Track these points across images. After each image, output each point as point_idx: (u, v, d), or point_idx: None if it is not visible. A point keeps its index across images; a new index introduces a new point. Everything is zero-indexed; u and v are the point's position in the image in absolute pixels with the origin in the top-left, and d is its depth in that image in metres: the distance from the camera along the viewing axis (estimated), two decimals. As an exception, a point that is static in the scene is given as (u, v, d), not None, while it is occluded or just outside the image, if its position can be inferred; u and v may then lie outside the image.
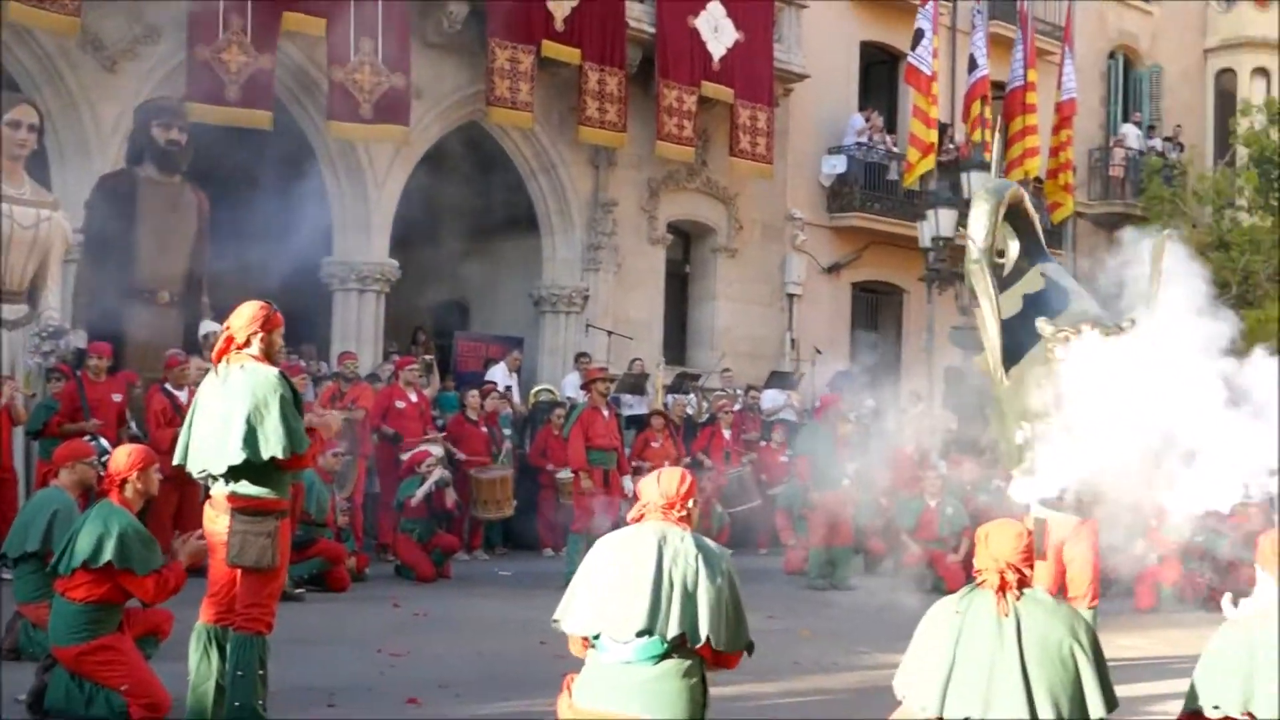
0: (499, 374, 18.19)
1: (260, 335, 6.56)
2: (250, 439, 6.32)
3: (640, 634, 5.35)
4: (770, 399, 20.11)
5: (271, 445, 6.34)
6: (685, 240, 23.14)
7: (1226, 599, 5.78)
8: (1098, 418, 7.87)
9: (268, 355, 6.59)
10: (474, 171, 20.39)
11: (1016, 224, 9.92)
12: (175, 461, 6.66)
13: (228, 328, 6.62)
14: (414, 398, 15.35)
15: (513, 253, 22.10)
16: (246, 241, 14.12)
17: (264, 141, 16.43)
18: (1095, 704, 5.15)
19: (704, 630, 5.40)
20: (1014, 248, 9.93)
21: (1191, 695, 5.42)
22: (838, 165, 24.23)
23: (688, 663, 5.42)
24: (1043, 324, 9.04)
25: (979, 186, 10.41)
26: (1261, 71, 31.58)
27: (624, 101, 20.29)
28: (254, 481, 6.43)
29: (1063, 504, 9.11)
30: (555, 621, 5.66)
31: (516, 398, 17.97)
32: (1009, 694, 5.05)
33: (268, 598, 6.56)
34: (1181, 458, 7.57)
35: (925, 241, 21.53)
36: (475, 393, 16.16)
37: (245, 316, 6.59)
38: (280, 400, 6.38)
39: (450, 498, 14.06)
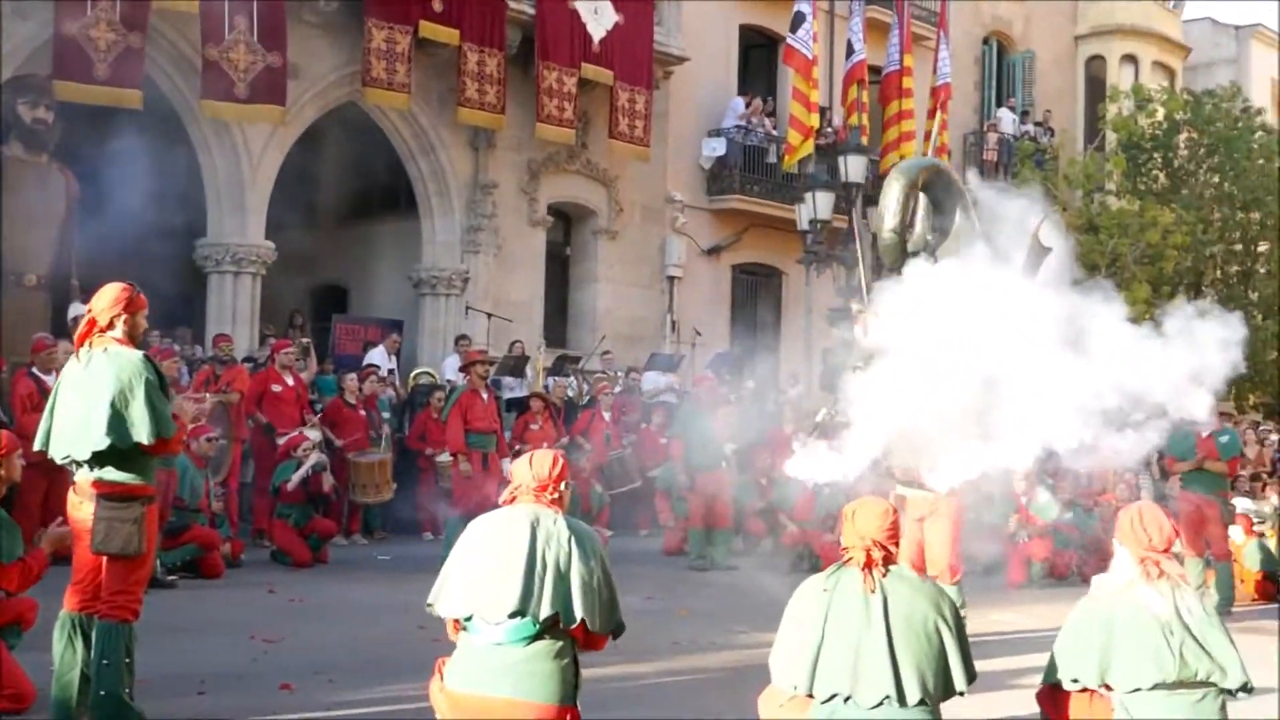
0: (378, 357, 18.05)
1: (123, 317, 6.45)
2: (115, 424, 6.21)
3: (512, 615, 5.35)
4: (650, 381, 20.17)
5: (138, 430, 6.24)
6: (566, 222, 23.12)
7: (1097, 579, 5.88)
8: (895, 389, 7.98)
9: (131, 338, 6.48)
10: (352, 153, 20.22)
11: (941, 195, 10.02)
12: (36, 447, 6.54)
13: (90, 310, 6.50)
14: (290, 381, 15.17)
15: (392, 235, 21.95)
16: (117, 223, 13.85)
17: (135, 121, 16.12)
18: (959, 678, 5.25)
19: (577, 611, 5.41)
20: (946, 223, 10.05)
21: (1051, 668, 5.53)
22: (717, 148, 24.35)
23: (559, 643, 5.44)
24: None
25: (895, 167, 10.50)
26: (1130, 58, 32.32)
27: (503, 83, 20.19)
28: (119, 467, 6.32)
29: (894, 474, 9.26)
30: (429, 605, 5.64)
31: (397, 381, 17.84)
32: (876, 670, 5.13)
33: (134, 585, 6.46)
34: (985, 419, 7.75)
35: (803, 224, 21.71)
36: (353, 376, 16.01)
37: (107, 299, 6.48)
38: (146, 384, 6.28)
39: (327, 482, 13.94)
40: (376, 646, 9.27)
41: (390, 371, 17.75)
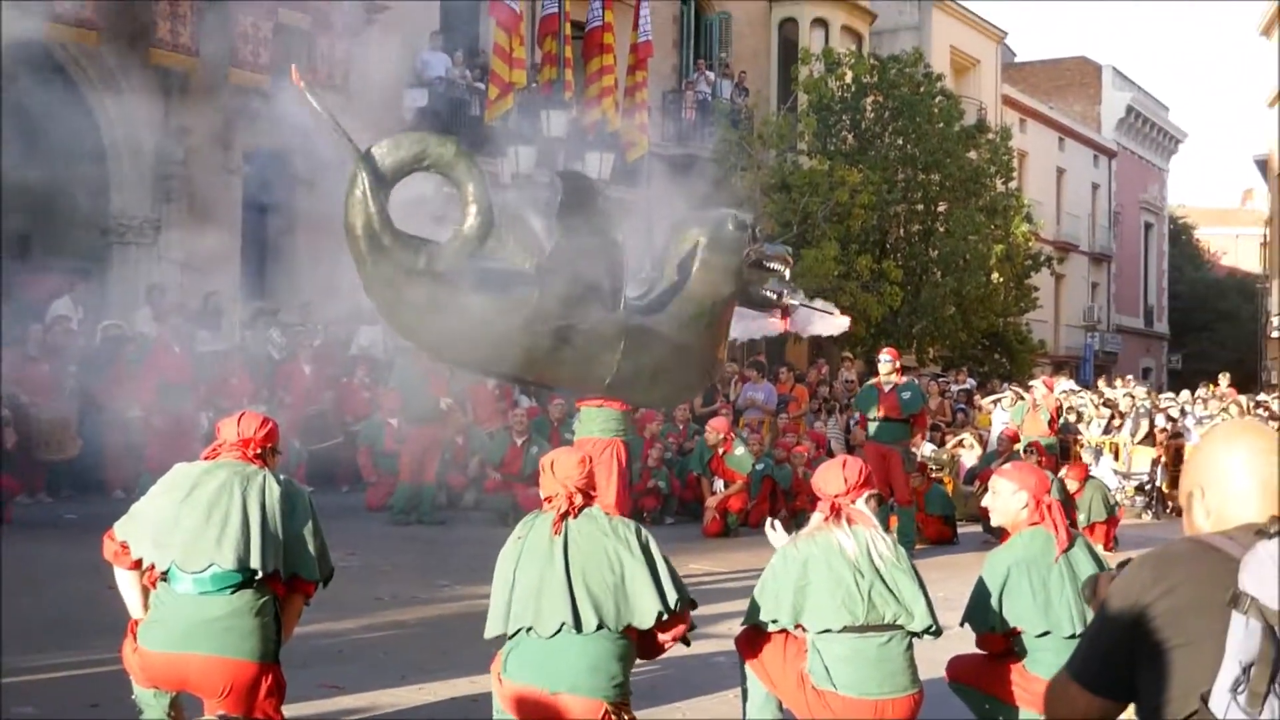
0: (64, 307, 17.24)
1: None
2: None
3: (214, 565, 5.29)
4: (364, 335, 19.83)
5: None
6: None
7: (768, 523, 6.14)
8: None
9: None
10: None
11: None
12: None
13: None
14: (-33, 332, 14.40)
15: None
16: None
17: None
18: (651, 604, 5.37)
19: (282, 564, 5.42)
20: None
21: (752, 610, 5.73)
22: (419, 99, 24.01)
23: (263, 599, 5.41)
24: None
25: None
26: (820, 22, 33.38)
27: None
28: None
29: None
30: (111, 537, 5.51)
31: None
32: (553, 600, 5.29)
33: None
34: None
35: (505, 179, 21.70)
36: (38, 327, 15.30)
37: None
38: None
39: (9, 438, 13.31)
40: (63, 608, 8.93)
41: (82, 322, 17.02)
